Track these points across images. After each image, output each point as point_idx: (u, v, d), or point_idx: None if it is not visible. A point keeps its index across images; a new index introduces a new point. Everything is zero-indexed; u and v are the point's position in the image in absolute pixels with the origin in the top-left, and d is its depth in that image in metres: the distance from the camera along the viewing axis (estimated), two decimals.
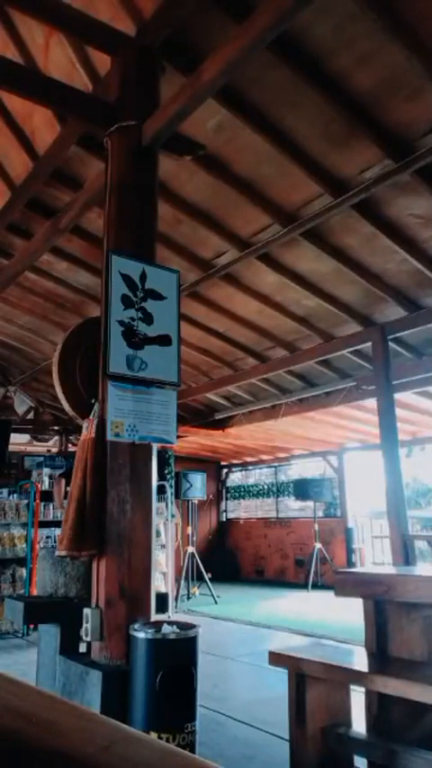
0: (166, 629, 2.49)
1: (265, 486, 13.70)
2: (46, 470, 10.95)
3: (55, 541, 6.96)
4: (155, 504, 2.97)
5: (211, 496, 13.52)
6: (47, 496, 7.87)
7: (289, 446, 11.98)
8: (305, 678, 2.53)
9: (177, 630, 2.49)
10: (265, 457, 13.30)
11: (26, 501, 7.12)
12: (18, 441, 10.27)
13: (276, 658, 2.67)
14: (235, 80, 3.35)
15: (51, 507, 7.78)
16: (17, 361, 9.23)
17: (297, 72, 3.34)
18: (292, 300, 5.79)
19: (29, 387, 9.74)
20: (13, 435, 9.47)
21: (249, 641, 6.58)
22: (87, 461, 2.83)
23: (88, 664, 2.72)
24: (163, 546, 7.92)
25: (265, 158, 4.03)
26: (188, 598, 9.72)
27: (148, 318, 3.01)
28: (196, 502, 10.40)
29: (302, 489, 11.21)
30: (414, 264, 4.80)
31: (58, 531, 6.65)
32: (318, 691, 2.57)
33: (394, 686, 2.20)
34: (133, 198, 3.19)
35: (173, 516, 8.59)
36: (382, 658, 2.57)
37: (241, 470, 14.43)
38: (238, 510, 14.16)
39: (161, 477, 8.36)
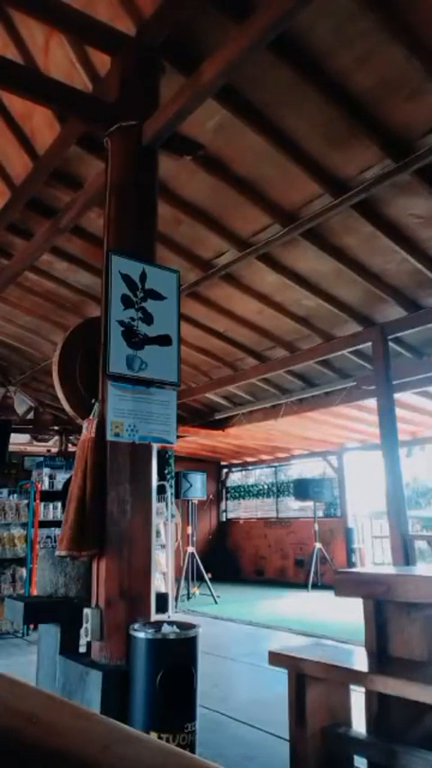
0: (166, 629, 2.49)
1: (265, 486, 13.70)
2: (46, 470, 10.96)
3: (55, 541, 6.96)
4: (155, 504, 2.97)
5: (211, 496, 13.52)
6: (47, 496, 7.87)
7: (289, 446, 11.98)
8: (305, 678, 2.53)
9: (177, 630, 2.49)
10: (265, 457, 13.30)
11: (26, 501, 7.12)
12: (18, 441, 10.27)
13: (276, 658, 2.67)
14: (235, 80, 3.35)
15: (51, 507, 7.78)
16: (17, 361, 9.22)
17: (297, 72, 3.34)
18: (292, 300, 5.79)
19: (29, 387, 9.74)
20: (13, 435, 9.46)
21: (249, 641, 6.58)
22: (87, 461, 2.83)
23: (88, 664, 2.72)
24: (163, 546, 7.92)
25: (265, 158, 4.02)
26: (188, 598, 9.72)
27: (148, 318, 3.01)
28: (196, 502, 10.39)
29: (302, 489, 11.21)
30: (414, 264, 4.80)
31: (58, 531, 6.66)
32: (318, 691, 2.57)
33: (394, 686, 2.20)
34: (133, 198, 3.19)
35: (173, 516, 8.59)
36: (382, 658, 2.57)
37: (241, 470, 14.43)
38: (238, 510, 14.16)
39: (161, 477, 8.36)
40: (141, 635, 2.47)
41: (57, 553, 2.85)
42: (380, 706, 2.51)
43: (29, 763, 0.47)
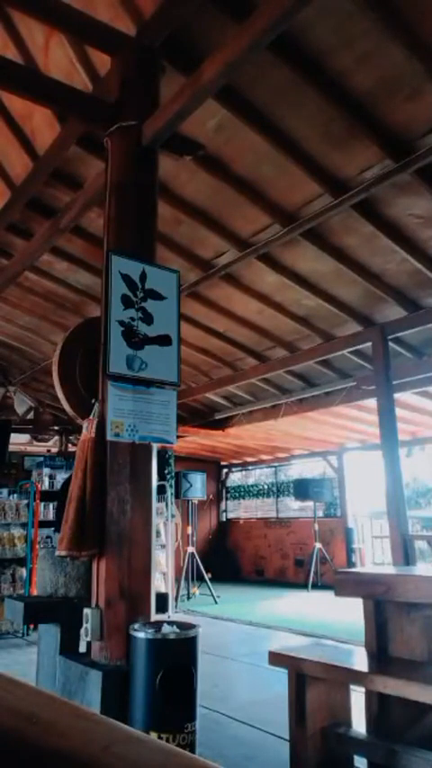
0: (166, 629, 2.49)
1: (265, 486, 13.70)
2: (46, 470, 10.97)
3: (55, 541, 6.96)
4: (155, 504, 2.97)
5: (211, 496, 13.52)
6: (47, 496, 7.87)
7: (289, 446, 11.98)
8: (305, 678, 2.53)
9: (177, 630, 2.49)
10: (265, 457, 13.30)
11: (26, 501, 7.12)
12: (18, 441, 10.27)
13: (276, 658, 2.67)
14: (235, 80, 3.35)
15: (51, 507, 7.79)
16: (17, 361, 9.22)
17: (297, 72, 3.34)
18: (292, 300, 5.79)
19: (29, 387, 9.74)
20: (13, 435, 9.47)
21: (249, 641, 6.58)
22: (87, 461, 2.83)
23: (88, 664, 2.72)
24: (163, 546, 7.92)
25: (265, 158, 4.03)
26: (188, 598, 9.72)
27: (148, 318, 3.01)
28: (196, 502, 10.39)
29: (302, 489, 11.20)
30: (414, 264, 4.80)
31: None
32: (318, 691, 2.57)
33: (394, 686, 2.20)
34: (133, 198, 3.19)
35: (173, 516, 8.59)
36: (382, 658, 2.57)
37: (241, 470, 14.43)
38: (238, 510, 14.16)
39: (161, 477, 8.36)
40: (141, 635, 2.47)
41: (57, 553, 2.85)
42: (380, 706, 2.51)
43: (29, 763, 0.47)
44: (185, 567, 9.78)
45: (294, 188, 4.27)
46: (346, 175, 4.04)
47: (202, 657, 2.54)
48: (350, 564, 11.14)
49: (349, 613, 6.48)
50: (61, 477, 10.74)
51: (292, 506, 12.85)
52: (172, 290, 3.14)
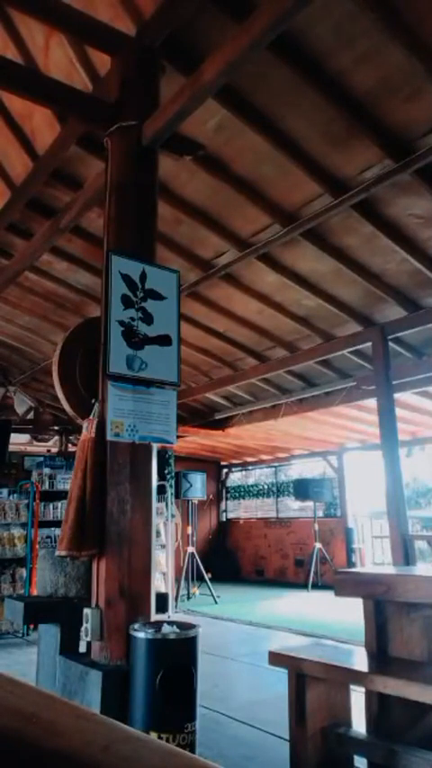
0: (166, 629, 2.49)
1: (265, 486, 13.70)
2: (46, 470, 10.95)
3: (55, 541, 6.97)
4: (155, 504, 2.97)
5: (211, 496, 13.52)
6: (47, 496, 7.88)
7: (289, 446, 11.98)
8: (305, 678, 2.53)
9: (177, 630, 2.49)
10: (265, 457, 13.30)
11: (26, 501, 7.12)
12: (18, 441, 10.27)
13: (276, 658, 2.67)
14: (235, 80, 3.35)
15: (51, 507, 7.79)
16: (17, 361, 9.22)
17: (297, 72, 3.34)
18: (292, 300, 5.79)
19: (29, 387, 9.74)
20: (13, 435, 9.47)
21: (249, 641, 6.58)
22: (87, 461, 2.83)
23: (88, 664, 2.72)
24: (163, 546, 7.92)
25: (265, 158, 4.03)
26: (188, 598, 9.72)
27: (148, 318, 3.01)
28: (196, 502, 10.39)
29: (302, 489, 11.21)
30: (414, 264, 4.80)
31: (58, 531, 6.67)
32: (318, 691, 2.57)
33: (394, 686, 2.20)
34: (133, 198, 3.19)
35: (173, 516, 8.59)
36: (382, 658, 2.57)
37: (241, 470, 14.43)
38: (238, 510, 14.16)
39: (161, 477, 8.36)
40: (141, 635, 2.47)
41: (57, 553, 2.85)
42: (380, 706, 2.51)
43: (29, 763, 0.47)
44: (185, 567, 9.78)
45: (294, 188, 4.27)
46: (346, 175, 4.04)
47: (202, 657, 2.54)
48: (350, 564, 11.14)
49: (349, 613, 6.48)
50: (61, 477, 10.73)
51: (292, 506, 12.85)
52: (172, 290, 3.14)
